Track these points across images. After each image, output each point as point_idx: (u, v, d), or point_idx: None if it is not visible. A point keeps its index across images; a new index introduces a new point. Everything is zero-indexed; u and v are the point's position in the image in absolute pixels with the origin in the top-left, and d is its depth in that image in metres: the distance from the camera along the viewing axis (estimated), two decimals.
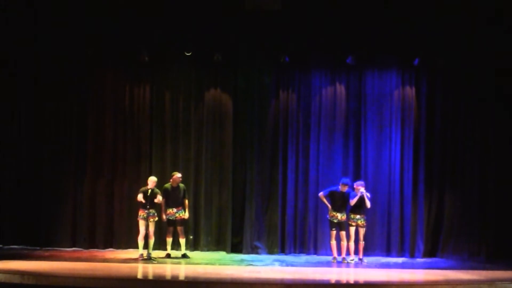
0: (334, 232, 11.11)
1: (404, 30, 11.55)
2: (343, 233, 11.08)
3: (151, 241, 10.82)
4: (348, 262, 10.95)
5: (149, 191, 10.79)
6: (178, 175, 11.24)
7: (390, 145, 12.17)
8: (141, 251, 10.76)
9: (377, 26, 11.51)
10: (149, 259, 10.58)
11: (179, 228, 11.19)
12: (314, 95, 12.35)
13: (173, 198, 11.13)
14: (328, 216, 11.18)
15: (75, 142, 12.32)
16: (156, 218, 10.93)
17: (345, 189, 11.07)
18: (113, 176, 12.27)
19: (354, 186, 11.11)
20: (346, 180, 11.18)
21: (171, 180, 11.19)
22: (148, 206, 10.70)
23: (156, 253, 11.05)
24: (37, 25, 11.72)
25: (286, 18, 11.52)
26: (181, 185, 11.30)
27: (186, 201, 11.27)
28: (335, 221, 11.07)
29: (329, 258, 11.31)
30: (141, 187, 11.15)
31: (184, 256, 11.17)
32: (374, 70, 12.27)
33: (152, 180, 10.91)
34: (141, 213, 10.76)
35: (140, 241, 10.78)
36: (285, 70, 12.27)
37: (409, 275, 10.06)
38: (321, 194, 11.29)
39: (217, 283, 8.66)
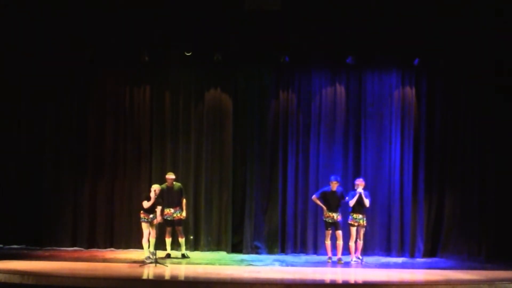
0: (328, 232, 11.09)
1: (404, 30, 11.54)
2: (339, 232, 11.08)
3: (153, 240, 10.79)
4: (348, 262, 10.95)
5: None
6: (170, 176, 11.22)
7: (390, 145, 12.18)
8: (147, 253, 10.65)
9: (377, 26, 11.50)
10: (151, 256, 10.51)
11: (177, 228, 11.20)
12: (314, 95, 12.35)
13: (169, 199, 11.12)
14: (323, 217, 11.17)
15: (75, 142, 12.32)
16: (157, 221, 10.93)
17: (335, 186, 11.07)
18: (113, 176, 12.28)
19: (354, 183, 11.13)
20: (335, 177, 11.17)
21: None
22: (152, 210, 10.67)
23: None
24: (37, 25, 11.71)
25: (286, 18, 11.51)
26: (178, 184, 11.30)
27: (184, 201, 11.26)
28: (330, 221, 11.05)
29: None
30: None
31: (184, 256, 11.18)
32: (374, 70, 12.28)
33: (156, 188, 10.77)
34: (145, 216, 10.70)
35: (145, 243, 10.70)
36: (285, 70, 12.27)
37: (409, 275, 10.07)
38: (314, 197, 11.29)
39: (217, 283, 8.68)
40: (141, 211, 10.72)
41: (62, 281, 8.59)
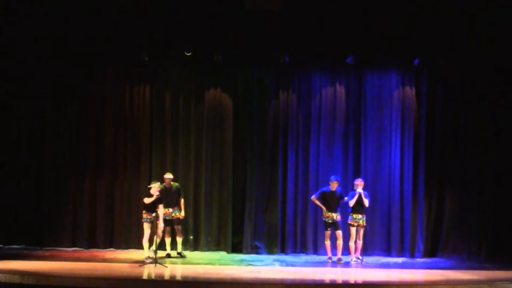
0: (328, 232, 11.09)
1: (404, 30, 11.54)
2: (339, 232, 11.08)
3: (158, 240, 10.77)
4: (348, 262, 10.95)
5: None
6: (168, 176, 11.22)
7: (390, 145, 12.18)
8: (147, 253, 10.63)
9: (377, 26, 11.50)
10: (153, 254, 10.49)
11: (176, 227, 11.22)
12: (314, 95, 12.36)
13: (167, 199, 11.11)
14: (322, 217, 11.17)
15: (75, 142, 12.32)
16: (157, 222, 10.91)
17: (335, 186, 11.06)
18: (113, 176, 12.27)
19: (354, 183, 11.12)
20: (335, 177, 11.17)
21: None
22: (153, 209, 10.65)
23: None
24: (37, 25, 11.70)
25: (286, 18, 11.51)
26: (175, 184, 11.31)
27: (182, 200, 11.27)
28: (330, 221, 11.05)
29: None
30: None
31: (180, 255, 11.19)
32: (374, 70, 12.28)
33: (156, 185, 10.77)
34: (148, 216, 10.68)
35: (145, 243, 10.66)
36: (285, 70, 12.27)
37: (409, 275, 10.06)
38: (313, 197, 11.29)
39: (217, 283, 8.69)
40: (143, 211, 10.71)
41: (62, 281, 8.59)
